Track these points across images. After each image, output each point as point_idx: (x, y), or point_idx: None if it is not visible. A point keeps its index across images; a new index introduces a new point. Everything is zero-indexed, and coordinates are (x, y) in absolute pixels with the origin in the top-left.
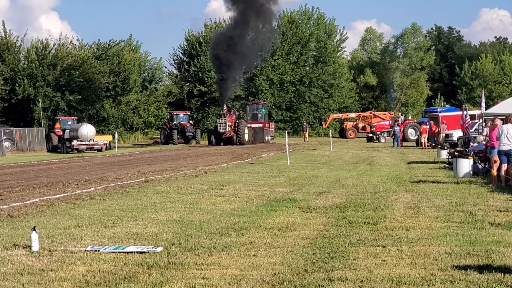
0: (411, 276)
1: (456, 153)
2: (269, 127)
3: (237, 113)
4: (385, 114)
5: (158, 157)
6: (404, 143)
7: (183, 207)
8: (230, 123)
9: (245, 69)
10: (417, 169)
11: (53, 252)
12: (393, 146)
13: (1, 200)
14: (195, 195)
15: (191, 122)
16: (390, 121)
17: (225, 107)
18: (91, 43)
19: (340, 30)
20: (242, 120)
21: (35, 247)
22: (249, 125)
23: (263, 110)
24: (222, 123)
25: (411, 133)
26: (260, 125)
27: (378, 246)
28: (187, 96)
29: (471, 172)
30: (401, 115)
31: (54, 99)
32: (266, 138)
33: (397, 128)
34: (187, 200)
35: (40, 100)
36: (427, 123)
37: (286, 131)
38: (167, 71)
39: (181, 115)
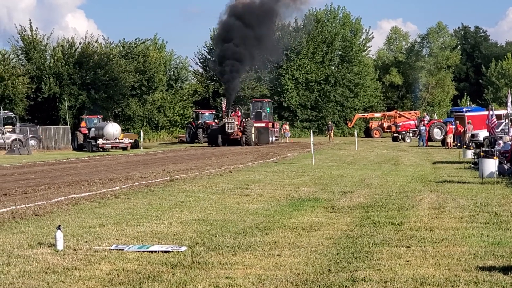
0: (435, 277)
1: (481, 153)
2: (273, 127)
3: (243, 110)
4: (410, 113)
5: (183, 156)
6: (430, 143)
7: (207, 206)
8: (237, 123)
9: (269, 64)
10: (442, 169)
11: (78, 251)
12: (419, 146)
13: (27, 199)
14: (220, 194)
15: (216, 121)
16: (416, 121)
17: (224, 104)
18: (117, 42)
19: (366, 29)
20: (249, 119)
21: (60, 245)
22: (258, 124)
23: (268, 109)
24: (230, 123)
25: (437, 133)
26: (263, 124)
27: (402, 247)
28: (213, 95)
29: (497, 172)
30: (427, 114)
31: (79, 98)
32: (271, 139)
33: (422, 128)
34: (212, 199)
35: (65, 98)
36: (453, 123)
37: (311, 131)
38: (193, 70)
39: (207, 114)
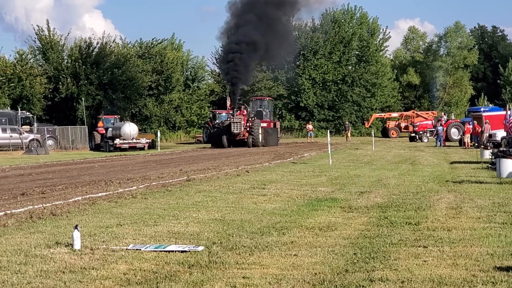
0: (452, 277)
1: (499, 153)
2: (275, 127)
3: (248, 109)
4: (427, 113)
5: (200, 156)
6: (447, 143)
7: (224, 206)
8: (243, 122)
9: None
10: (459, 169)
11: (95, 251)
12: (436, 146)
13: (44, 198)
14: (237, 194)
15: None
16: (433, 121)
17: (229, 103)
18: (134, 42)
19: (383, 29)
20: (256, 119)
21: (77, 245)
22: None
23: (269, 107)
24: (236, 122)
25: (454, 133)
26: (265, 124)
27: (419, 247)
28: (229, 95)
29: None
30: (444, 114)
31: (97, 98)
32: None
33: (440, 128)
34: (229, 199)
35: (83, 98)
36: (470, 122)
37: (328, 130)
38: (210, 70)
39: (224, 114)
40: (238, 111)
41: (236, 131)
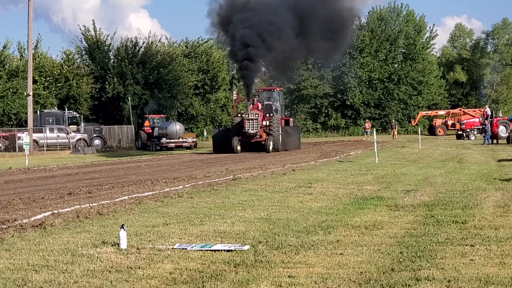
0: (499, 276)
1: None
2: (289, 124)
3: (264, 102)
4: (475, 111)
5: (246, 155)
6: (494, 140)
7: (270, 205)
8: (259, 119)
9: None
10: (507, 167)
11: (141, 250)
12: (484, 143)
13: (91, 198)
14: (283, 193)
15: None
16: (480, 118)
17: (235, 93)
18: (180, 41)
19: (430, 26)
20: (275, 114)
21: (123, 244)
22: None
23: (280, 100)
24: (252, 119)
25: (502, 130)
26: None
27: (466, 245)
28: None
29: None
30: (488, 107)
31: (143, 97)
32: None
33: (487, 124)
34: (275, 198)
35: (129, 98)
36: None
37: (375, 129)
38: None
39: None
40: (251, 105)
41: (251, 131)
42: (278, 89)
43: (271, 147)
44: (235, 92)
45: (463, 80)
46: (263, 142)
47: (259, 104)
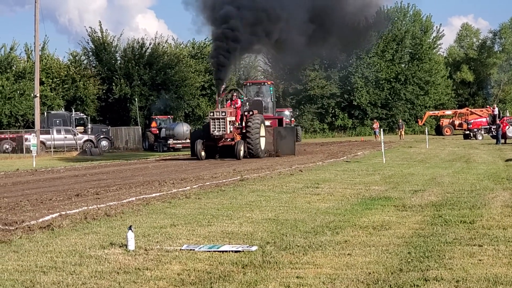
0: (508, 276)
1: None
2: (282, 125)
3: (244, 98)
4: (482, 110)
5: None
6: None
7: (278, 206)
8: (232, 119)
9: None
10: None
11: (149, 251)
12: (497, 143)
13: (99, 199)
14: (290, 194)
15: (293, 119)
16: (488, 118)
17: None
18: (186, 42)
19: (436, 26)
20: (256, 112)
21: (131, 246)
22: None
23: (271, 96)
24: (217, 119)
25: (510, 130)
26: (268, 122)
27: (474, 245)
28: (282, 94)
29: None
30: (496, 107)
31: (150, 98)
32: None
33: (498, 123)
34: (282, 198)
35: (136, 99)
36: None
37: (382, 129)
38: (262, 70)
39: (286, 112)
40: (228, 102)
41: (216, 133)
42: (269, 83)
43: (242, 153)
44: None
45: (470, 80)
46: (232, 145)
47: (239, 101)
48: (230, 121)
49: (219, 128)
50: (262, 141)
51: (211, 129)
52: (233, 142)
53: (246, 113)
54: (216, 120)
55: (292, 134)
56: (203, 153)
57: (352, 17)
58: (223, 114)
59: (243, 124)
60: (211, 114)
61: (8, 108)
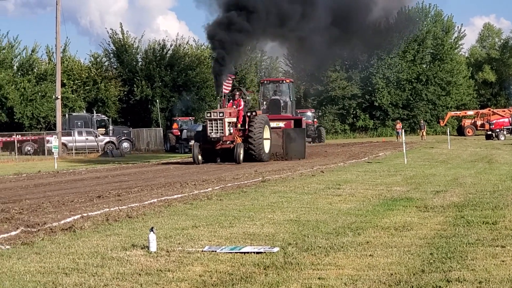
0: None
1: None
2: (301, 126)
3: (247, 98)
4: (504, 111)
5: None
6: None
7: (299, 207)
8: (232, 120)
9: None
10: None
11: (171, 253)
12: None
13: (120, 201)
14: (312, 195)
15: (315, 120)
16: (510, 118)
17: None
18: (207, 43)
19: (458, 27)
20: (259, 112)
21: (153, 247)
22: (273, 124)
23: (290, 95)
24: (214, 120)
25: None
26: (281, 123)
27: (497, 246)
28: (303, 95)
29: None
30: None
31: (171, 100)
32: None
33: None
34: (304, 199)
35: (157, 100)
36: None
37: (403, 129)
38: (283, 71)
39: (309, 113)
40: (231, 101)
41: (214, 136)
42: (287, 81)
43: (241, 156)
44: (228, 82)
45: (492, 80)
46: (231, 148)
47: (242, 101)
48: (229, 123)
49: (217, 129)
50: (266, 144)
51: (208, 131)
52: (232, 145)
53: (248, 114)
54: (213, 121)
55: (302, 136)
56: (200, 157)
57: (377, 17)
58: (221, 114)
59: (247, 126)
60: (208, 114)
61: (30, 110)
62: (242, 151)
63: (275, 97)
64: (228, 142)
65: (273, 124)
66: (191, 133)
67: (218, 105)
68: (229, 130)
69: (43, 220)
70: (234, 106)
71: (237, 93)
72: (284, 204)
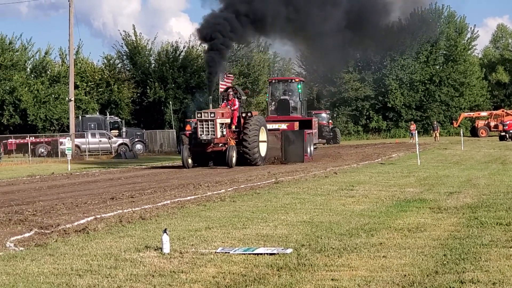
0: None
1: None
2: (311, 127)
3: (243, 97)
4: None
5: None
6: None
7: (313, 208)
8: (225, 121)
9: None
10: None
11: (184, 254)
12: None
13: (133, 202)
14: (325, 196)
15: (330, 121)
16: None
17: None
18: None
19: (471, 28)
20: (255, 113)
21: (166, 249)
22: (271, 125)
23: (300, 95)
24: (205, 121)
25: None
26: (284, 125)
27: (511, 248)
28: (316, 97)
29: None
30: None
31: (184, 101)
32: (309, 149)
33: None
34: (317, 201)
35: (170, 102)
36: None
37: (416, 131)
38: (296, 72)
39: (323, 114)
40: (224, 102)
41: (204, 137)
42: (297, 80)
43: (234, 159)
44: (225, 80)
45: (505, 81)
46: (223, 151)
47: (236, 101)
48: (221, 124)
49: (207, 131)
50: (262, 147)
51: (199, 133)
52: (224, 148)
53: (243, 115)
54: (204, 122)
55: (301, 138)
56: (190, 161)
57: (391, 19)
58: (212, 115)
59: (241, 127)
60: (199, 115)
61: (43, 112)
62: (235, 154)
63: (284, 97)
64: (220, 144)
65: (276, 126)
66: None
67: (210, 105)
68: (221, 131)
69: (56, 222)
70: (228, 106)
71: (231, 92)
72: (297, 205)
